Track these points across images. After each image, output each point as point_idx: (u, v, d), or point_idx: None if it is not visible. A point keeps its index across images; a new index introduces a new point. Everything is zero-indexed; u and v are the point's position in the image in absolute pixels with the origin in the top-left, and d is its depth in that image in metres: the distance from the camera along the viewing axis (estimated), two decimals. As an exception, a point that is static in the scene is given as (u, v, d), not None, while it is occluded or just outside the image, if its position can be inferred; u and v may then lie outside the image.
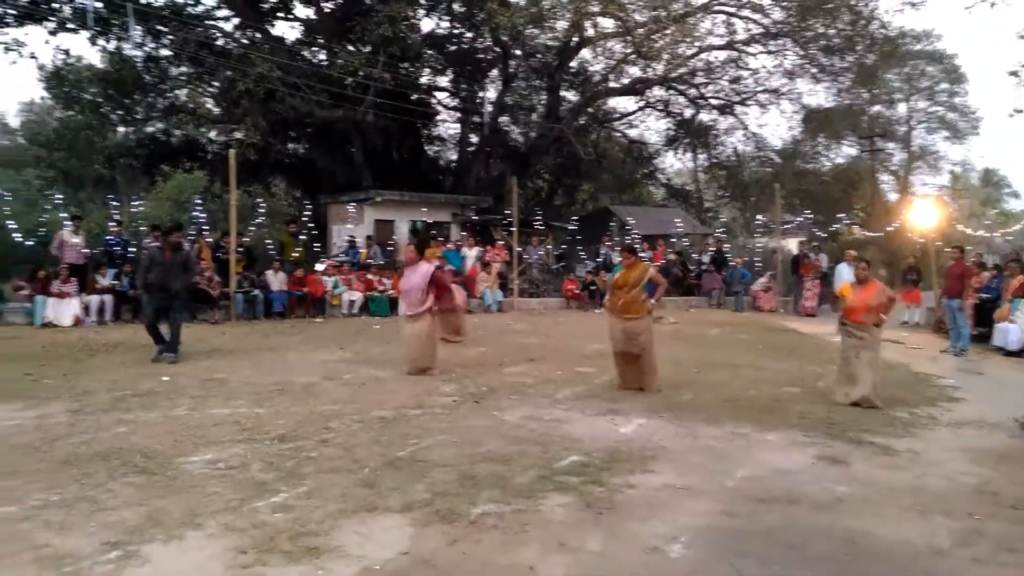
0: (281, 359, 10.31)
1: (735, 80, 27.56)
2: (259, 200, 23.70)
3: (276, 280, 16.07)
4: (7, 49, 20.20)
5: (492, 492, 4.94)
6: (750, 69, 27.24)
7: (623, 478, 5.32)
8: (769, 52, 25.99)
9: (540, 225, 22.60)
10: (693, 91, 28.10)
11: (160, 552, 3.95)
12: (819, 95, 40.38)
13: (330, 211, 22.74)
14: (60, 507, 4.56)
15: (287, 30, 45.55)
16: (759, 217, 28.00)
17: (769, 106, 28.55)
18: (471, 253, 19.46)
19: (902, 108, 39.90)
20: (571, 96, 27.96)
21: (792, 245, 26.56)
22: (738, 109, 28.80)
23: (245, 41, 22.29)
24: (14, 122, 39.98)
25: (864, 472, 5.69)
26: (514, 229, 19.48)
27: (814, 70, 26.06)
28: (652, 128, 42.71)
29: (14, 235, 17.55)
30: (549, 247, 22.18)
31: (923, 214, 17.81)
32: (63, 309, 13.64)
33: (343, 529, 4.29)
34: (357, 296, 17.00)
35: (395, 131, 22.98)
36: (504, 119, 27.71)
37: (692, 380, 9.27)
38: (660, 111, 29.87)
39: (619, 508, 4.76)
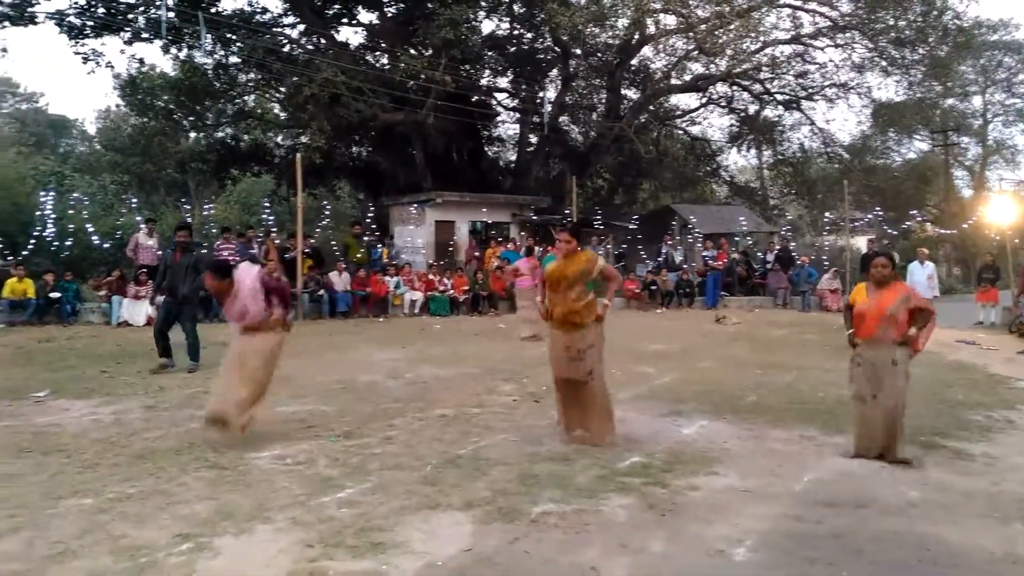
0: (345, 358, 10.49)
1: (801, 75, 26.98)
2: (324, 202, 24.19)
3: (340, 281, 16.39)
4: (85, 59, 21.09)
5: (553, 492, 4.94)
6: (817, 63, 26.66)
7: (686, 480, 5.26)
8: (837, 46, 25.39)
9: (600, 225, 22.49)
10: (757, 87, 27.60)
11: (230, 545, 4.07)
12: (889, 89, 39.29)
13: (392, 213, 23.06)
14: (136, 500, 4.73)
15: (351, 35, 46.44)
16: (827, 215, 27.35)
17: (837, 101, 27.91)
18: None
19: (977, 101, 38.58)
20: (632, 94, 27.80)
21: (861, 243, 25.84)
22: (804, 104, 28.19)
23: (310, 47, 22.81)
24: (91, 129, 41.68)
25: (937, 477, 5.50)
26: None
27: (884, 63, 25.33)
28: (715, 125, 42.23)
29: (92, 238, 18.31)
30: (609, 247, 22.06)
31: (1000, 210, 17.15)
32: (137, 309, 14.15)
33: (407, 525, 4.34)
34: (418, 296, 17.21)
35: (455, 133, 23.19)
36: (564, 119, 27.69)
37: (756, 382, 9.10)
38: (723, 107, 29.44)
39: (682, 510, 4.70)
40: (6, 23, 19.16)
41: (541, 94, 26.03)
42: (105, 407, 7.24)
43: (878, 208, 27.10)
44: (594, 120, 27.85)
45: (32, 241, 17.01)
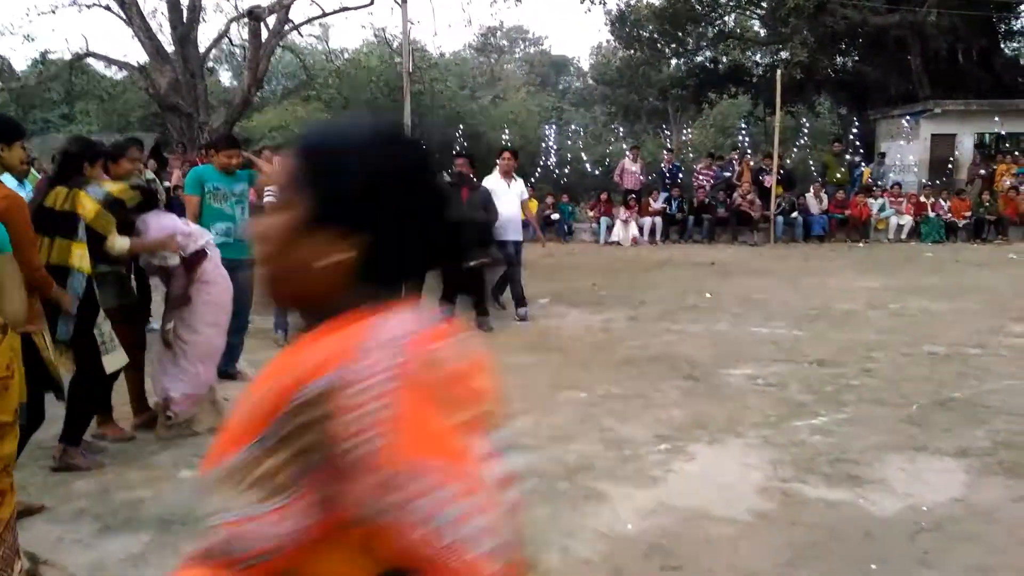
0: (820, 283, 10.05)
1: None
2: (802, 120, 23.12)
3: (816, 203, 15.61)
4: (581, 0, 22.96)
5: (1077, 453, 4.15)
6: None
7: None
8: None
9: None
10: None
11: (704, 452, 4.28)
12: None
13: (879, 128, 21.01)
14: (620, 399, 5.24)
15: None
16: None
17: None
18: None
19: None
20: None
21: None
22: None
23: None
24: (585, 66, 45.55)
25: None
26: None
27: None
28: None
29: (585, 165, 20.28)
30: None
31: None
32: (623, 230, 15.35)
33: (887, 464, 4.07)
34: (906, 220, 15.57)
35: (963, 30, 19.95)
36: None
37: None
38: None
39: None
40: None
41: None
42: (595, 315, 8.07)
43: None
44: None
45: (538, 169, 19.48)
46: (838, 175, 16.84)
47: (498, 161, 8.09)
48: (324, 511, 0.84)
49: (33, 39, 25.14)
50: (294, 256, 0.92)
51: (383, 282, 0.94)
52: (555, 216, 15.91)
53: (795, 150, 19.98)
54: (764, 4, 21.92)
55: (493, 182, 7.90)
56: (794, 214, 15.55)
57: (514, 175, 8.11)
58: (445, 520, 0.82)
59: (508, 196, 7.81)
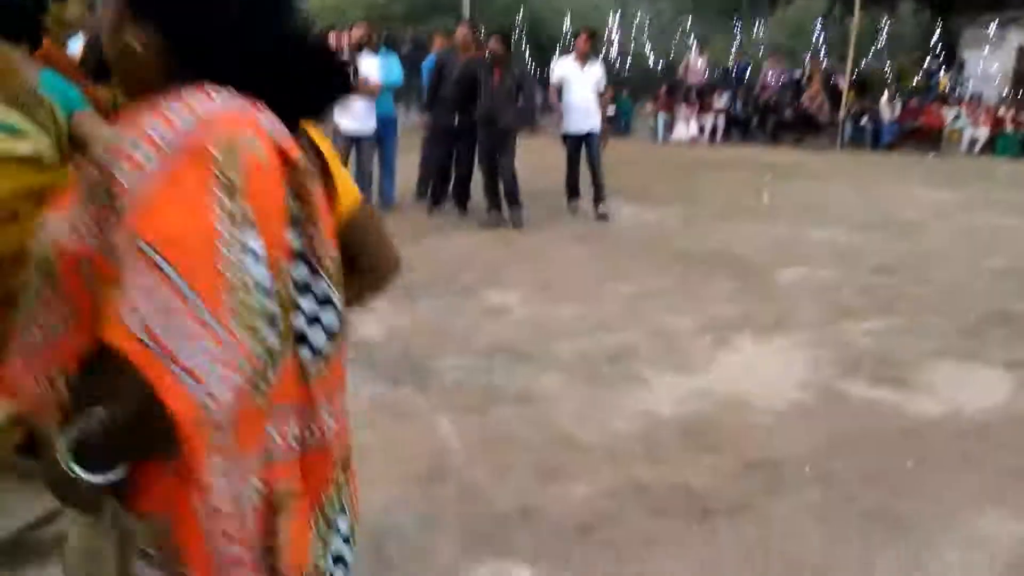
0: (885, 192, 9.73)
1: None
2: (882, 23, 21.85)
3: (888, 110, 14.93)
4: None
5: None
6: None
7: None
8: None
9: None
10: None
11: (749, 346, 4.29)
12: None
13: (963, 35, 19.77)
14: (668, 293, 5.24)
15: None
16: None
17: None
18: None
19: None
20: None
21: None
22: None
23: None
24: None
25: None
26: None
27: None
28: None
29: (648, 60, 19.61)
30: None
31: None
32: (683, 127, 14.94)
33: (934, 370, 4.03)
34: (982, 133, 14.83)
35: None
36: None
37: None
38: None
39: None
40: None
41: None
42: (649, 212, 7.98)
43: None
44: None
45: (599, 61, 18.90)
46: (914, 83, 16.02)
47: (575, 43, 7.82)
48: (96, 238, 0.96)
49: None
50: (117, 45, 1.05)
51: (200, 74, 0.99)
52: (612, 111, 15.53)
53: (871, 55, 18.97)
54: None
55: (567, 66, 7.68)
56: (864, 120, 14.92)
57: (591, 58, 7.81)
58: (156, 308, 0.86)
59: (582, 81, 7.55)
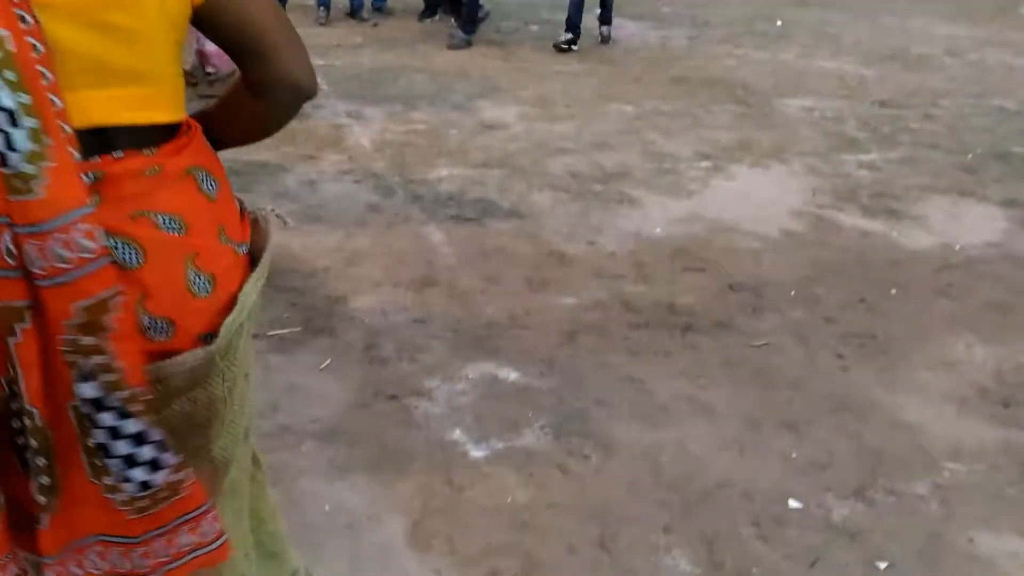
0: (900, 24, 9.30)
1: None
2: None
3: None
4: None
5: None
6: None
7: None
8: None
9: None
10: None
11: (744, 173, 4.23)
12: None
13: None
14: (667, 116, 5.10)
15: None
16: None
17: None
18: None
19: None
20: None
21: None
22: None
23: None
24: None
25: None
26: None
27: None
28: None
29: None
30: None
31: None
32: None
33: (929, 203, 4.01)
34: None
35: None
36: None
37: None
38: None
39: None
40: None
41: None
42: (654, 31, 7.63)
43: None
44: None
45: None
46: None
47: None
48: None
49: None
50: None
51: None
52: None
53: None
54: None
55: None
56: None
57: None
58: None
59: None
